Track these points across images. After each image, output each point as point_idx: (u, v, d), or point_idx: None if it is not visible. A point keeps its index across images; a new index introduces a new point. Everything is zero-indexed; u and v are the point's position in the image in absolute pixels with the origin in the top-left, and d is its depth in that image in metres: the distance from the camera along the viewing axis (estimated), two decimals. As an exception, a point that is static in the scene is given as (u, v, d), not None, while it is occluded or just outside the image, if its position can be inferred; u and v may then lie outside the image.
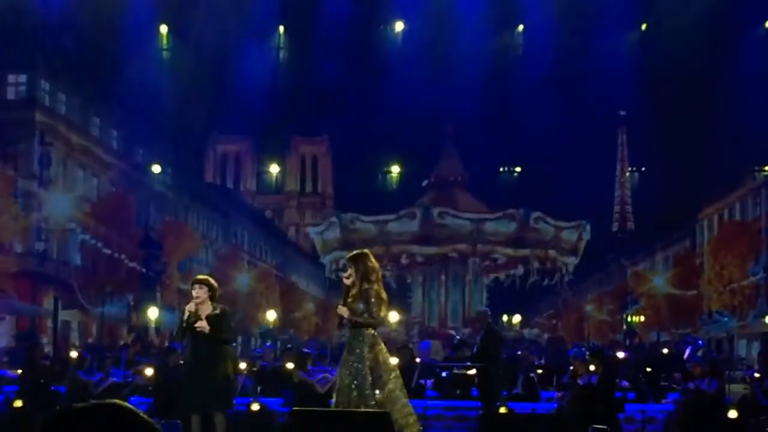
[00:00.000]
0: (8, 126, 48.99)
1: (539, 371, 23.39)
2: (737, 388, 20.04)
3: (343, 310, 11.10)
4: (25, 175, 48.95)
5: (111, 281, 48.80)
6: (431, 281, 43.14)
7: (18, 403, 16.18)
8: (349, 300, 11.15)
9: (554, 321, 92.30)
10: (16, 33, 47.75)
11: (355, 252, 11.61)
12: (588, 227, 41.96)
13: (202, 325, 11.85)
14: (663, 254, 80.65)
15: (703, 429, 14.91)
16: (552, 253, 41.18)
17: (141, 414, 3.10)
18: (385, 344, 11.34)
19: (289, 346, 29.48)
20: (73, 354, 22.04)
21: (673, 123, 62.76)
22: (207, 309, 12.04)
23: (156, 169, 60.03)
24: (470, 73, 52.01)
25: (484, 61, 52.18)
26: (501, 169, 64.72)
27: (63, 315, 45.87)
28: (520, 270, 42.43)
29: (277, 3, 51.63)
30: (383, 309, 11.22)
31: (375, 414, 10.14)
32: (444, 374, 21.12)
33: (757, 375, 19.11)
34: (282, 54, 55.44)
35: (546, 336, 48.77)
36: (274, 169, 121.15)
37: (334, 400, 11.06)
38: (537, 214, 40.47)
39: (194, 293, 12.15)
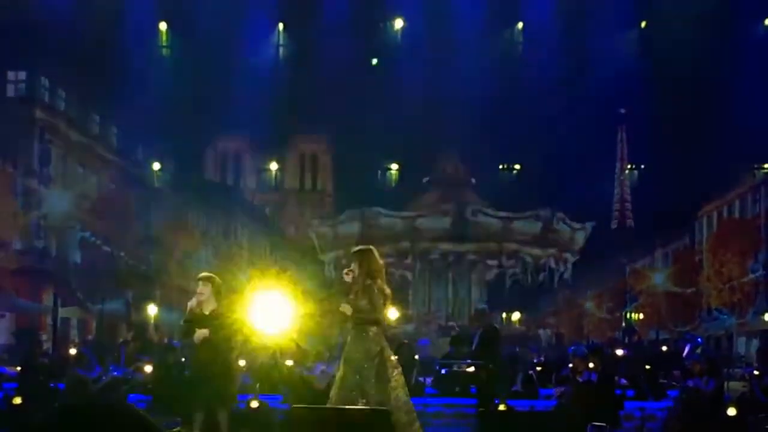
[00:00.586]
0: (8, 123, 48.97)
1: (538, 368, 23.41)
2: (736, 386, 20.07)
3: (346, 308, 11.07)
4: (25, 173, 48.96)
5: (110, 278, 48.80)
6: (437, 278, 43.08)
7: (17, 400, 16.18)
8: (351, 297, 11.13)
9: (554, 318, 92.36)
10: (15, 30, 47.73)
11: (360, 247, 11.56)
12: (564, 217, 42.10)
13: (201, 334, 11.84)
14: (662, 252, 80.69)
15: (702, 426, 14.91)
16: (565, 254, 41.41)
17: (140, 412, 3.11)
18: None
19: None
20: (73, 351, 22.09)
21: (673, 121, 62.65)
22: (211, 306, 12.04)
23: (156, 166, 60.07)
24: (470, 70, 51.96)
25: (483, 58, 52.13)
26: (500, 167, 64.60)
27: (62, 312, 45.84)
28: (519, 267, 42.44)
29: (276, 0, 51.64)
30: (387, 305, 11.21)
31: (375, 411, 10.14)
32: (443, 371, 21.14)
33: (756, 372, 19.13)
34: (282, 51, 55.41)
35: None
36: (274, 166, 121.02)
37: (333, 395, 11.03)
38: (560, 214, 40.62)
39: (198, 290, 12.14)
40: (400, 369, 11.14)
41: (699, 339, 32.93)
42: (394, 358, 11.17)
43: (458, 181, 44.37)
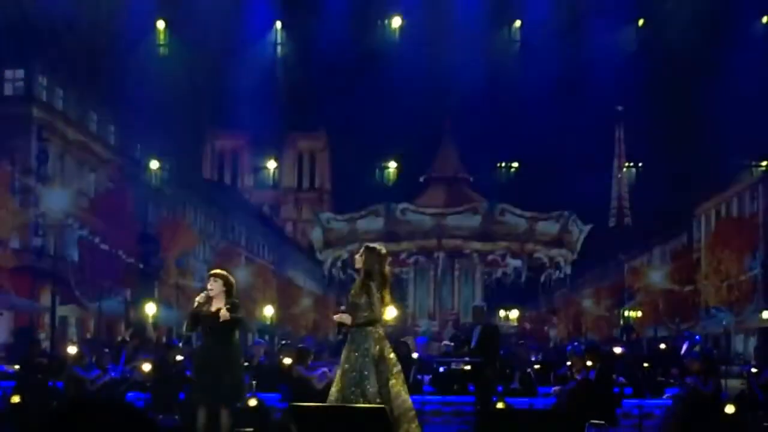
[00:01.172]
0: (5, 121, 48.94)
1: (537, 367, 23.42)
2: (734, 384, 20.08)
3: (344, 318, 11.11)
4: (23, 171, 48.92)
5: (108, 277, 48.78)
6: (424, 277, 43.03)
7: (15, 399, 16.19)
8: (352, 291, 11.19)
9: (552, 316, 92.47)
10: (13, 28, 47.70)
11: (373, 245, 11.55)
12: (576, 219, 41.85)
13: (224, 314, 11.81)
14: (660, 250, 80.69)
15: (700, 424, 14.93)
16: (529, 246, 41.08)
17: (139, 410, 3.11)
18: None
19: (283, 341, 29.42)
20: (71, 350, 22.05)
21: (671, 119, 62.75)
22: (220, 303, 12.01)
23: (154, 164, 60.03)
24: (468, 68, 51.96)
25: (481, 56, 52.13)
26: (499, 165, 64.61)
27: (60, 310, 45.87)
28: (517, 263, 42.41)
29: (274, -2, 51.67)
30: (384, 306, 11.21)
31: (373, 409, 10.15)
32: (441, 369, 21.14)
33: (754, 370, 19.13)
34: (279, 50, 55.40)
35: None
36: (272, 164, 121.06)
37: (332, 393, 11.04)
38: (503, 206, 40.35)
39: (208, 286, 12.12)
40: (399, 367, 11.16)
41: (697, 337, 33.01)
42: (393, 356, 11.19)
43: (456, 179, 44.35)
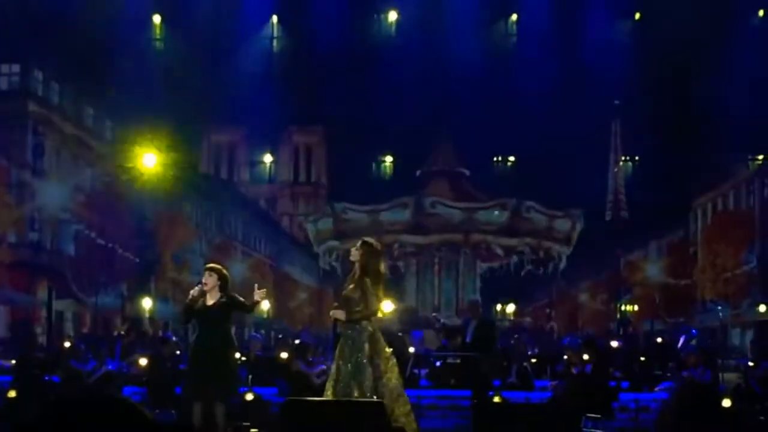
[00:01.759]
0: (1, 116, 48.90)
1: (533, 360, 23.43)
2: (731, 377, 20.09)
3: (339, 314, 11.12)
4: (19, 166, 48.89)
5: (105, 271, 48.77)
6: (424, 270, 42.93)
7: (12, 393, 16.16)
8: (348, 286, 11.19)
9: (548, 310, 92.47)
10: (9, 23, 47.64)
11: (372, 242, 11.53)
12: (581, 216, 41.96)
13: (261, 295, 11.93)
14: (657, 243, 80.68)
15: (697, 418, 14.92)
16: (546, 243, 41.19)
17: (135, 405, 3.10)
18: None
19: (280, 336, 29.54)
20: (67, 344, 22.06)
21: (667, 112, 62.74)
22: (214, 297, 12.03)
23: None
24: (464, 62, 51.99)
25: (477, 50, 52.15)
26: (495, 159, 64.68)
27: (57, 305, 45.77)
28: (514, 259, 42.38)
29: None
30: (379, 297, 11.21)
31: (369, 403, 10.15)
32: (438, 363, 21.14)
33: (750, 364, 19.15)
34: (275, 44, 55.43)
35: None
36: (268, 159, 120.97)
37: (328, 388, 11.04)
38: (529, 203, 40.44)
39: (203, 279, 12.13)
40: (394, 361, 11.16)
41: (693, 331, 32.97)
42: (389, 350, 11.19)
43: (454, 173, 44.25)
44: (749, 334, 55.62)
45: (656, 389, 18.60)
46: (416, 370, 20.71)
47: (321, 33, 52.16)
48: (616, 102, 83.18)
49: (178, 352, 18.17)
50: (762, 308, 50.85)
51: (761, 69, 49.47)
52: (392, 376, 10.93)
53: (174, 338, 21.20)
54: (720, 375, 17.93)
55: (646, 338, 40.25)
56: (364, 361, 10.83)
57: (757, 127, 53.77)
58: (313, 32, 53.28)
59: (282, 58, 56.49)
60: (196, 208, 75.58)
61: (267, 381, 17.43)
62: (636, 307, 66.85)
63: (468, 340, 18.85)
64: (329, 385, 11.03)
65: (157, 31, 52.42)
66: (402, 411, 10.82)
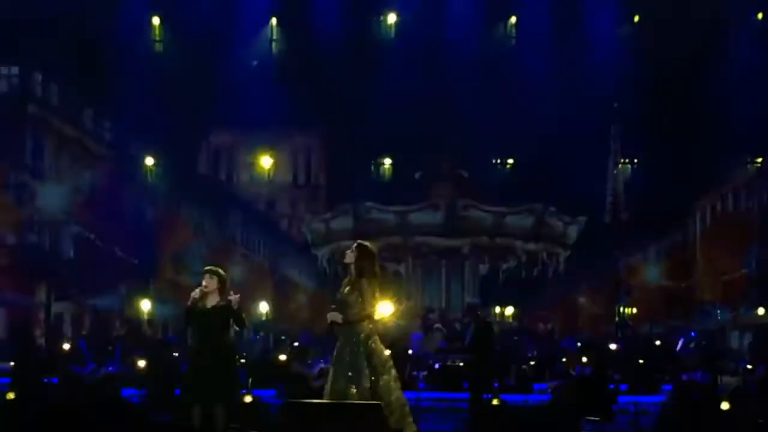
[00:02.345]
0: (1, 118, 48.85)
1: (532, 363, 23.43)
2: (730, 380, 20.10)
3: (335, 316, 11.12)
4: (18, 167, 48.85)
5: (104, 273, 48.72)
6: (429, 273, 42.79)
7: (10, 396, 16.16)
8: (346, 289, 11.19)
9: (547, 313, 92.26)
10: (7, 25, 47.60)
11: (367, 244, 11.55)
12: (584, 223, 42.06)
13: (236, 299, 12.00)
14: (656, 246, 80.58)
15: (696, 421, 14.93)
16: (558, 249, 41.35)
17: (134, 406, 3.10)
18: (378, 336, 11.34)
19: (282, 337, 29.48)
20: (66, 346, 22.08)
21: (667, 115, 62.68)
22: (214, 300, 12.04)
23: (149, 161, 59.86)
24: (463, 65, 51.99)
25: (476, 52, 52.16)
26: (494, 161, 64.57)
27: (56, 307, 45.82)
28: (513, 263, 42.36)
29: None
30: (376, 299, 11.21)
31: (368, 405, 10.16)
32: (436, 366, 21.16)
33: (749, 366, 19.17)
34: (275, 46, 55.43)
35: None
36: (267, 160, 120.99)
37: (326, 390, 11.05)
38: (552, 209, 40.57)
39: (204, 282, 12.14)
40: (391, 362, 11.16)
41: (692, 333, 33.00)
42: (387, 352, 11.19)
43: (455, 176, 44.19)
44: (748, 337, 55.57)
45: (657, 393, 18.65)
46: (415, 373, 20.73)
47: (320, 35, 52.18)
48: (616, 105, 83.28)
49: (176, 354, 18.18)
50: (761, 311, 50.79)
51: (761, 71, 49.47)
52: (390, 379, 10.93)
53: (176, 341, 21.22)
54: (719, 378, 17.93)
55: (645, 341, 40.15)
56: (362, 362, 10.83)
57: (757, 130, 53.70)
58: (312, 34, 53.27)
59: (281, 60, 56.48)
60: (195, 210, 75.50)
61: (266, 383, 17.45)
62: (635, 310, 66.75)
63: (467, 342, 18.86)
64: (327, 388, 11.03)
65: (157, 32, 52.37)
66: (400, 413, 10.82)
